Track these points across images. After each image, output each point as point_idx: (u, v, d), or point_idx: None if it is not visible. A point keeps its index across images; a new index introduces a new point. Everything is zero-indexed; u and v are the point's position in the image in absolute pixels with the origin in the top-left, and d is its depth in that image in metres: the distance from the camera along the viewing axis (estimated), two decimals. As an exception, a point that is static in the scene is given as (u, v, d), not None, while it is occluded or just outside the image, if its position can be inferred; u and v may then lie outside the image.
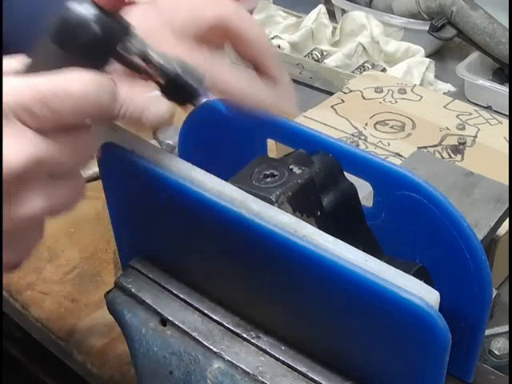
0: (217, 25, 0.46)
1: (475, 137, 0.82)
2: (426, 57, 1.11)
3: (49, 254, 0.78)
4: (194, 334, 0.46)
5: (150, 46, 0.37)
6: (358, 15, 1.16)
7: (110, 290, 0.51)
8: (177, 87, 0.38)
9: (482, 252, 0.44)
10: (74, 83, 0.33)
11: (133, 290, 0.50)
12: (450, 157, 0.79)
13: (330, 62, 1.10)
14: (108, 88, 0.34)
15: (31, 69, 0.35)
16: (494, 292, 0.47)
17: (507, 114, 0.98)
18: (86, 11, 0.34)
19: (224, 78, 0.45)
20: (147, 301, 0.49)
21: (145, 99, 0.42)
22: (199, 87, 0.38)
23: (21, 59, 0.36)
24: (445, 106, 0.89)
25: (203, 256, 0.47)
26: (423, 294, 0.36)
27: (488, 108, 1.02)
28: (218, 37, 0.47)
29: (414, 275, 0.38)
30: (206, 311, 0.48)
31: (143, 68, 0.37)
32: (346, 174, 0.47)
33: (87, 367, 0.66)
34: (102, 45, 0.35)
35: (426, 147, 0.80)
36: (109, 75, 0.35)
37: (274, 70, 0.48)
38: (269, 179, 0.44)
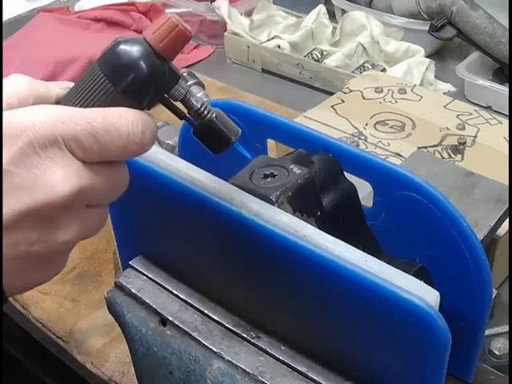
0: None
1: (475, 137, 0.82)
2: (426, 57, 1.11)
3: (49, 254, 0.78)
4: (194, 334, 0.46)
5: (191, 92, 0.39)
6: (358, 15, 1.16)
7: (110, 290, 0.51)
8: (210, 132, 0.40)
9: (482, 252, 0.44)
10: (123, 121, 0.35)
11: (133, 290, 0.50)
12: (450, 157, 0.79)
13: (330, 61, 1.10)
14: (151, 126, 0.36)
15: (75, 97, 0.36)
16: (494, 292, 0.47)
17: (507, 114, 0.98)
18: (139, 50, 0.35)
19: None
20: (147, 301, 0.49)
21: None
22: (232, 137, 0.40)
23: (64, 83, 0.38)
24: (445, 106, 0.88)
25: (203, 256, 0.47)
26: (423, 294, 0.36)
27: (488, 108, 1.02)
28: None
29: (414, 275, 0.38)
30: (206, 311, 0.48)
31: (183, 113, 0.40)
32: (346, 173, 0.47)
33: (87, 367, 0.66)
34: (149, 87, 0.36)
35: (426, 147, 0.80)
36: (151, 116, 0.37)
37: None
38: (269, 179, 0.44)
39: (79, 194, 0.34)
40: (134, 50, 0.35)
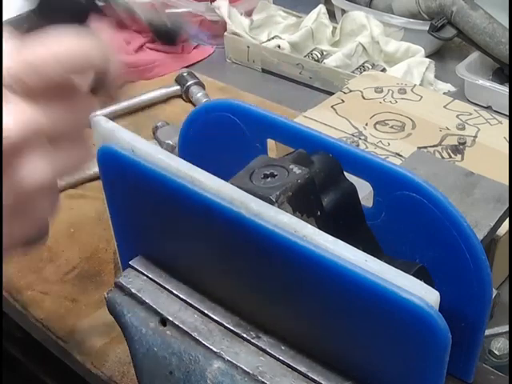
0: None
1: (475, 137, 0.82)
2: (426, 57, 1.11)
3: (49, 254, 0.78)
4: (194, 334, 0.46)
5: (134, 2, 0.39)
6: (358, 15, 1.16)
7: (110, 290, 0.51)
8: (163, 31, 0.41)
9: (482, 252, 0.44)
10: (60, 45, 0.33)
11: (133, 290, 0.50)
12: (450, 157, 0.79)
13: (330, 61, 1.10)
14: (95, 45, 0.34)
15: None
16: (494, 292, 0.47)
17: (507, 114, 0.98)
18: None
19: None
20: (147, 301, 0.49)
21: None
22: (180, 28, 0.42)
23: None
24: (445, 106, 0.89)
25: (203, 256, 0.47)
26: (423, 294, 0.36)
27: (488, 108, 1.02)
28: None
29: (414, 275, 0.38)
30: (206, 311, 0.48)
31: (128, 22, 0.40)
32: (346, 173, 0.47)
33: (87, 367, 0.66)
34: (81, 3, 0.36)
35: (426, 147, 0.80)
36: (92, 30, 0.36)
37: None
38: (269, 179, 0.44)
39: (35, 132, 0.32)
40: None
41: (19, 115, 0.32)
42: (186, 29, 0.41)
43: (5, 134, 0.31)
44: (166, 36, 0.41)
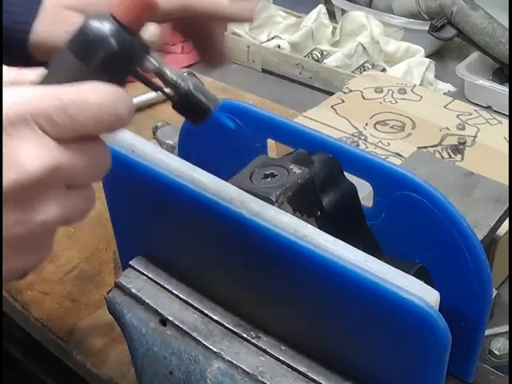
0: None
1: (475, 137, 0.82)
2: (426, 57, 1.11)
3: (49, 253, 0.78)
4: (194, 334, 0.46)
5: (166, 65, 0.38)
6: (358, 15, 1.16)
7: (110, 290, 0.51)
8: (188, 103, 0.39)
9: (482, 252, 0.44)
10: (93, 93, 0.34)
11: (133, 290, 0.50)
12: (450, 157, 0.79)
13: (330, 61, 1.10)
14: (124, 98, 0.35)
15: (47, 80, 0.36)
16: (494, 292, 0.47)
17: (507, 114, 0.98)
18: (107, 27, 0.35)
19: None
20: (147, 301, 0.49)
21: None
22: (211, 106, 0.39)
23: (37, 71, 0.37)
24: (445, 106, 0.88)
25: (203, 256, 0.47)
26: (423, 294, 0.36)
27: (488, 108, 1.02)
28: None
29: (414, 275, 0.38)
30: (206, 311, 0.48)
31: (158, 86, 0.39)
32: (346, 173, 0.47)
33: (87, 367, 0.66)
34: (119, 60, 0.36)
35: (426, 147, 0.80)
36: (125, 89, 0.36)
37: None
38: (269, 179, 0.44)
39: (53, 173, 0.33)
40: (101, 26, 0.35)
41: (45, 152, 0.33)
42: (214, 108, 0.40)
43: (28, 168, 0.32)
44: (190, 109, 0.39)
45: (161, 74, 0.38)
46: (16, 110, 0.32)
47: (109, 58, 0.35)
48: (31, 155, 0.32)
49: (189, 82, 0.39)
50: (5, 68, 0.37)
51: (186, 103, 0.39)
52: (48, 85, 0.35)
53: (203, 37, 0.56)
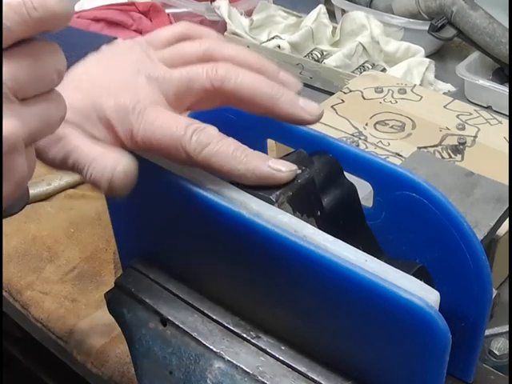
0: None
1: (475, 137, 0.82)
2: (426, 57, 1.11)
3: (49, 254, 0.78)
4: (194, 334, 0.46)
5: None
6: (358, 15, 1.16)
7: (110, 290, 0.51)
8: None
9: (482, 252, 0.44)
10: None
11: (133, 290, 0.50)
12: (450, 157, 0.79)
13: (329, 61, 1.10)
14: None
15: None
16: (494, 292, 0.47)
17: (507, 114, 0.98)
18: None
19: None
20: (147, 301, 0.49)
21: (114, 157, 0.40)
22: None
23: None
24: (445, 106, 0.88)
25: (203, 256, 0.47)
26: (423, 294, 0.36)
27: (488, 108, 1.02)
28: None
29: (414, 275, 0.38)
30: (206, 311, 0.48)
31: None
32: (346, 173, 0.47)
33: (87, 367, 0.66)
34: None
35: (426, 147, 0.80)
36: None
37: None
38: (269, 179, 0.44)
39: None
40: None
41: None
42: None
43: None
44: None
45: None
46: None
47: None
48: None
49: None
50: None
51: None
52: None
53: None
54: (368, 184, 0.47)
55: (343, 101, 0.89)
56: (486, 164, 0.76)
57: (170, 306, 0.49)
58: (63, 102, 0.35)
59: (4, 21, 0.31)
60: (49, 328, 0.70)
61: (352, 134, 0.83)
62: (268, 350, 0.45)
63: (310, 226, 0.40)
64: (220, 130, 0.53)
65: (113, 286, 0.51)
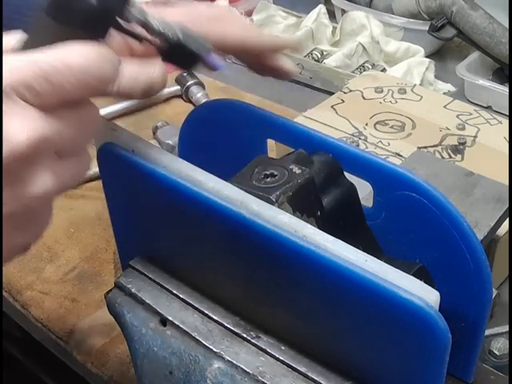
0: None
1: (475, 137, 0.82)
2: (426, 57, 1.11)
3: (49, 254, 0.78)
4: (194, 334, 0.46)
5: (150, 14, 0.36)
6: (358, 15, 1.16)
7: (110, 290, 0.51)
8: (179, 52, 0.37)
9: (482, 252, 0.44)
10: (74, 56, 0.32)
11: (133, 290, 0.50)
12: (450, 157, 0.79)
13: (330, 61, 1.10)
14: (109, 58, 0.34)
15: (28, 45, 0.34)
16: (494, 292, 0.47)
17: (507, 114, 0.98)
18: None
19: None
20: (147, 301, 0.49)
21: (135, 67, 0.39)
22: (202, 52, 0.38)
23: (17, 36, 0.35)
24: (445, 106, 0.88)
25: (203, 256, 0.47)
26: (423, 294, 0.36)
27: (488, 108, 1.02)
28: None
29: (414, 275, 0.38)
30: (206, 311, 0.48)
31: (144, 36, 0.37)
32: (346, 173, 0.47)
33: (87, 367, 0.66)
34: (100, 15, 0.34)
35: (426, 147, 0.80)
36: (108, 46, 0.34)
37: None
38: (269, 179, 0.44)
39: (41, 143, 0.32)
40: None
41: (29, 123, 0.31)
42: (205, 53, 0.38)
43: (14, 142, 0.31)
44: (180, 57, 0.37)
45: (146, 25, 0.36)
46: None
47: (87, 15, 0.33)
48: (16, 129, 0.31)
49: (176, 30, 0.37)
50: None
51: (177, 52, 0.37)
52: (28, 50, 0.33)
53: (256, 63, 0.54)
54: (368, 184, 0.47)
55: (343, 101, 0.89)
56: (485, 164, 0.76)
57: (170, 306, 0.49)
58: (89, 159, 0.36)
59: (65, 84, 0.32)
60: (49, 328, 0.70)
61: (352, 134, 0.83)
62: (268, 349, 0.45)
63: (310, 226, 0.40)
64: (220, 130, 0.53)
65: (113, 285, 0.51)
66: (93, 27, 0.34)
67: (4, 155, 0.31)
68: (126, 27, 0.36)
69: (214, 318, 0.47)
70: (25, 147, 0.31)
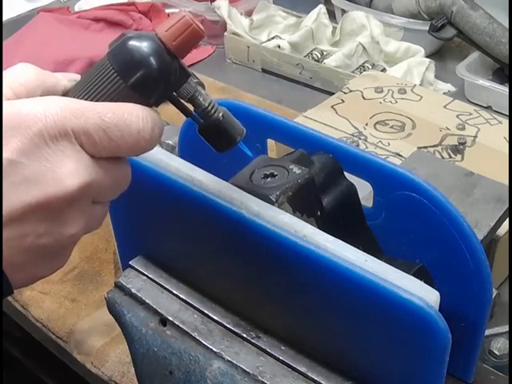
0: None
1: (475, 137, 0.82)
2: (426, 57, 1.11)
3: (49, 253, 0.78)
4: (194, 334, 0.46)
5: (199, 91, 0.39)
6: (358, 15, 1.16)
7: (110, 290, 0.51)
8: (216, 132, 0.39)
9: (482, 252, 0.44)
10: (135, 118, 0.34)
11: (133, 290, 0.50)
12: (450, 157, 0.79)
13: (330, 61, 1.10)
14: (160, 124, 0.36)
15: (83, 88, 0.36)
16: (494, 292, 0.48)
17: (507, 113, 0.98)
18: (150, 46, 0.35)
19: None
20: (147, 301, 0.49)
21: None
22: (238, 136, 0.40)
23: (70, 75, 0.38)
24: (445, 106, 0.88)
25: (203, 256, 0.47)
26: (423, 294, 0.36)
27: (488, 108, 1.02)
28: None
29: (414, 275, 0.38)
30: (206, 311, 0.48)
31: (190, 111, 0.39)
32: (346, 173, 0.47)
33: (87, 367, 0.66)
34: (159, 84, 0.36)
35: (426, 147, 0.80)
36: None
37: None
38: (269, 179, 0.44)
39: (87, 189, 0.34)
40: (145, 45, 0.35)
41: (82, 169, 0.33)
42: (239, 139, 0.40)
43: (67, 183, 0.33)
44: (217, 136, 0.39)
45: (194, 100, 0.39)
46: (59, 122, 0.32)
47: (148, 78, 0.35)
48: (70, 171, 0.33)
49: (219, 110, 0.39)
50: (40, 71, 0.37)
51: (214, 131, 0.39)
52: (83, 93, 0.35)
53: None
54: (368, 184, 0.47)
55: (343, 101, 0.89)
56: (486, 164, 0.75)
57: (169, 306, 0.49)
58: (107, 210, 0.38)
59: (121, 142, 0.34)
60: (49, 328, 0.70)
61: (352, 134, 0.83)
62: (268, 349, 0.45)
63: (310, 226, 0.40)
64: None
65: (113, 285, 0.51)
66: (149, 92, 0.36)
67: (55, 193, 0.32)
68: (179, 102, 0.39)
69: (214, 318, 0.47)
70: (75, 190, 0.33)
